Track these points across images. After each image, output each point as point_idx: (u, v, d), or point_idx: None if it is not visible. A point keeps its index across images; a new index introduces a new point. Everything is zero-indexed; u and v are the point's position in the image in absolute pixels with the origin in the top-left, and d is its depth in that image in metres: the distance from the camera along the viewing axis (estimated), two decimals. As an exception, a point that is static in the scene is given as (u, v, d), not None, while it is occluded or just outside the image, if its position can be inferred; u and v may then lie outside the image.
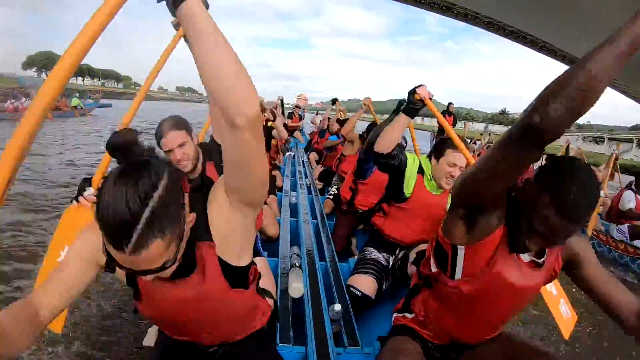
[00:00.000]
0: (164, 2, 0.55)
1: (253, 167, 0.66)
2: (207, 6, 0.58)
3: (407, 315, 1.17)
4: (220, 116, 0.60)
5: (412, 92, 1.53)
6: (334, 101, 5.58)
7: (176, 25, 1.20)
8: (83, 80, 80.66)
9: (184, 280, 0.76)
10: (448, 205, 1.72)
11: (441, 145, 1.64)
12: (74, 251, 0.72)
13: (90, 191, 1.16)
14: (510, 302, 0.95)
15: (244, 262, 0.84)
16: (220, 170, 1.29)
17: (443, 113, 8.51)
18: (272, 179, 3.40)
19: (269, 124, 3.25)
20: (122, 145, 0.59)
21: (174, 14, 0.56)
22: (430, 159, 1.70)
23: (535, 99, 0.61)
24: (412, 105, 1.54)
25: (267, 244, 2.13)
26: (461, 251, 0.93)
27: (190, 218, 0.69)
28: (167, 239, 0.59)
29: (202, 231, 0.75)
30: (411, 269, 1.68)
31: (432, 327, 1.09)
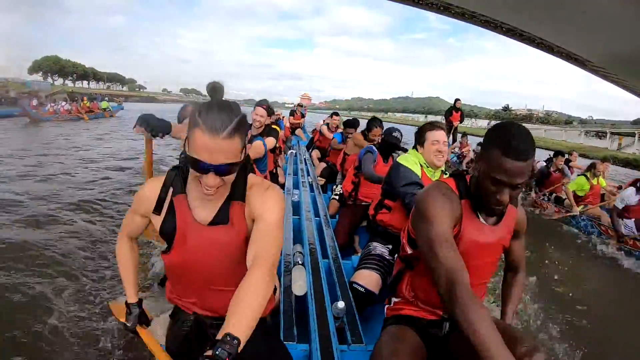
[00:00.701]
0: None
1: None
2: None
3: (396, 299, 1.21)
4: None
5: None
6: (332, 115, 5.66)
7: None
8: (89, 83, 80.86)
9: (219, 227, 0.93)
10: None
11: (419, 132, 1.83)
12: (133, 207, 1.01)
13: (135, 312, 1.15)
14: (484, 260, 1.09)
15: None
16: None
17: (450, 109, 8.47)
18: (275, 176, 3.40)
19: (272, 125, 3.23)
20: (217, 87, 0.89)
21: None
22: (417, 149, 1.84)
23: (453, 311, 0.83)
24: None
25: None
26: None
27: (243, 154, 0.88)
28: (242, 141, 0.83)
29: (239, 193, 0.93)
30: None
31: (422, 306, 1.14)
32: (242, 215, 0.93)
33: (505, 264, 1.28)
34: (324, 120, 6.24)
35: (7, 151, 6.99)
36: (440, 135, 1.77)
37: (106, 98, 22.59)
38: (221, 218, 0.93)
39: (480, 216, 1.05)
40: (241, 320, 0.72)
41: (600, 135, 29.84)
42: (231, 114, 0.81)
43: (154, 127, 1.48)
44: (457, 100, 8.50)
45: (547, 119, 64.41)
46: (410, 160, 1.81)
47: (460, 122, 8.68)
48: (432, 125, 1.83)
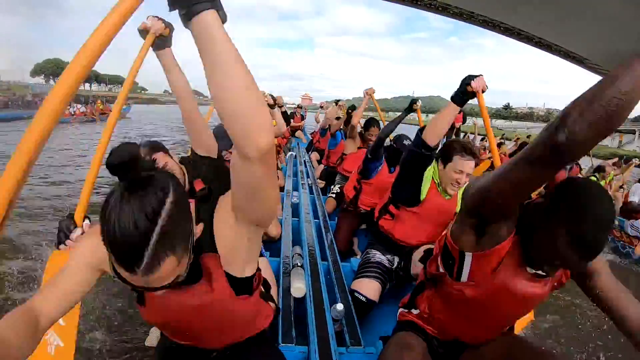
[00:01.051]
0: (177, 11, 0.49)
1: (263, 194, 0.65)
2: (224, 21, 0.51)
3: (413, 310, 1.18)
4: (200, 129, 0.58)
5: (466, 83, 1.39)
6: (337, 102, 5.63)
7: (142, 32, 1.12)
8: (90, 86, 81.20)
9: (190, 288, 0.75)
10: (457, 210, 1.72)
11: (449, 150, 1.57)
12: (75, 258, 0.71)
13: (77, 232, 0.99)
14: (513, 309, 0.96)
15: (248, 272, 0.85)
16: (206, 183, 1.25)
17: None
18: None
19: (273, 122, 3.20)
20: (125, 162, 0.54)
21: (185, 25, 0.51)
22: (437, 162, 1.64)
23: (559, 115, 0.58)
24: (464, 95, 1.41)
25: (268, 244, 2.14)
26: (468, 257, 0.93)
27: (198, 230, 0.68)
28: (178, 255, 0.58)
29: (206, 242, 0.75)
30: (416, 268, 1.67)
31: (435, 324, 1.10)
32: (217, 265, 0.77)
33: (621, 324, 0.86)
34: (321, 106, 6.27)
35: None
36: (468, 167, 1.54)
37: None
38: (190, 275, 0.68)
39: (525, 261, 0.87)
40: None
41: None
42: (146, 222, 0.53)
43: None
44: None
45: (548, 117, 64.30)
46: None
47: (463, 122, 8.67)
48: (466, 152, 1.54)
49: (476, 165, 1.59)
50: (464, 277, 0.95)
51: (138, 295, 0.80)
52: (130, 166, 0.55)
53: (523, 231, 0.85)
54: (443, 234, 1.06)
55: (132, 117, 20.77)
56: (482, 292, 0.92)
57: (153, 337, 1.35)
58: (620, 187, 5.19)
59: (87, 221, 1.04)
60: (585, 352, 2.36)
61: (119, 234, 0.53)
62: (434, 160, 1.68)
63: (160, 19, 1.11)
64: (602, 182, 4.69)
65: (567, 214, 0.74)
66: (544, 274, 0.88)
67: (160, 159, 1.20)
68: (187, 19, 0.49)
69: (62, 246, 0.99)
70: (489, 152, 7.12)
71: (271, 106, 3.04)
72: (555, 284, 0.94)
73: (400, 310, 1.23)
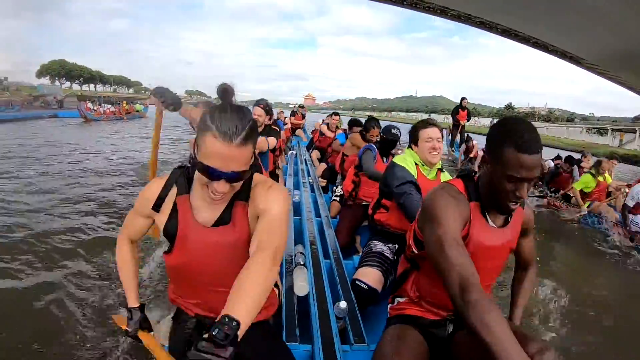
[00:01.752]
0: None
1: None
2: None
3: (400, 299, 1.20)
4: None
5: None
6: (333, 114, 5.67)
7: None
8: (95, 87, 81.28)
9: (220, 228, 0.92)
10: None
11: (413, 131, 1.83)
12: (140, 200, 0.98)
13: (137, 315, 1.11)
14: (491, 263, 1.08)
15: None
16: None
17: (457, 108, 8.43)
18: (276, 178, 3.40)
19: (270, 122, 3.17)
20: (228, 90, 0.89)
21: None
22: (412, 148, 1.85)
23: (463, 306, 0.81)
24: None
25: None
26: None
27: (266, 143, 0.96)
28: (252, 148, 0.83)
29: (243, 193, 0.92)
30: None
31: (427, 306, 1.14)
32: (244, 215, 0.92)
33: (516, 263, 1.28)
34: (323, 120, 6.26)
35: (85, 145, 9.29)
36: (433, 132, 1.78)
37: (140, 102, 26.75)
38: (223, 219, 0.92)
39: (488, 219, 1.05)
40: (241, 304, 0.70)
41: (601, 132, 29.75)
42: (244, 119, 0.79)
43: (168, 99, 1.52)
44: (463, 98, 8.47)
45: (550, 116, 64.25)
46: (406, 160, 1.83)
47: (467, 120, 8.65)
48: (425, 123, 1.83)
49: (441, 131, 1.82)
50: None
51: (170, 244, 0.96)
52: (230, 93, 0.91)
53: (485, 193, 1.02)
54: (412, 225, 1.18)
55: (151, 116, 21.82)
56: None
57: (159, 332, 1.34)
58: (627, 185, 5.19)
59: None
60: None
61: (229, 119, 0.77)
62: (408, 150, 1.89)
63: (162, 101, 1.49)
64: (600, 177, 4.79)
65: (505, 133, 0.93)
66: (503, 223, 1.07)
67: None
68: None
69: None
70: None
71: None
72: (514, 235, 1.10)
73: (389, 306, 1.26)
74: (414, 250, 1.14)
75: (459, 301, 0.83)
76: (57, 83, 68.18)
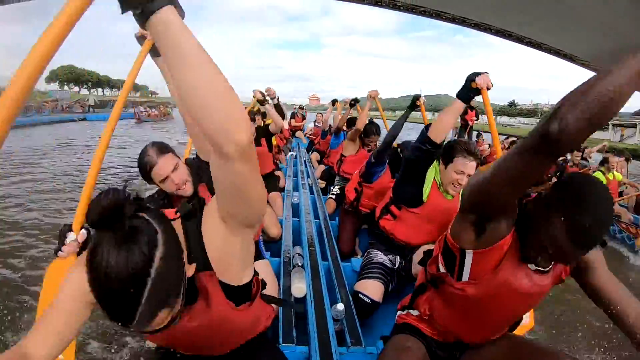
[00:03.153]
0: (131, 12, 0.46)
1: (248, 194, 0.61)
2: (182, 16, 0.49)
3: (412, 312, 1.17)
4: (199, 134, 0.54)
5: (471, 79, 1.40)
6: (334, 102, 5.65)
7: (140, 39, 1.16)
8: (103, 91, 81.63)
9: (188, 309, 0.74)
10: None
11: (450, 150, 1.56)
12: (65, 293, 0.66)
13: (71, 237, 1.01)
14: (515, 306, 0.96)
15: (246, 279, 0.83)
16: (211, 189, 1.22)
17: (465, 108, 8.39)
18: (276, 179, 3.40)
19: (268, 121, 3.16)
20: (107, 216, 0.50)
21: (142, 25, 0.47)
22: (439, 162, 1.63)
23: (553, 107, 0.59)
24: (469, 92, 1.43)
25: (269, 244, 2.14)
26: (469, 255, 0.93)
27: (190, 271, 0.66)
28: (171, 306, 0.57)
29: (199, 259, 0.71)
30: (416, 268, 1.67)
31: (436, 326, 1.10)
32: (213, 280, 0.74)
33: (615, 318, 0.88)
34: (314, 122, 6.34)
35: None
36: (470, 167, 1.53)
37: (170, 105, 31.55)
38: (190, 297, 0.71)
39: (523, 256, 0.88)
40: None
41: (603, 127, 29.86)
42: (135, 282, 0.51)
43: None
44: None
45: (552, 113, 64.16)
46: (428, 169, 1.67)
47: (476, 119, 8.65)
48: (467, 152, 1.53)
49: (479, 166, 1.57)
50: (465, 276, 0.95)
51: None
52: (115, 217, 0.51)
53: (521, 226, 0.85)
54: (443, 234, 1.06)
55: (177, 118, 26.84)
56: (484, 290, 0.91)
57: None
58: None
59: (83, 230, 1.04)
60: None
61: (108, 294, 0.51)
62: (435, 160, 1.67)
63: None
64: (610, 175, 4.58)
65: (567, 202, 0.75)
66: (543, 269, 0.88)
67: (171, 161, 1.23)
68: (143, 18, 0.46)
69: (60, 253, 1.01)
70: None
71: (261, 102, 2.99)
72: (557, 280, 0.94)
73: (399, 313, 1.23)
74: (440, 267, 1.03)
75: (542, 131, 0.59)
76: (66, 88, 68.85)
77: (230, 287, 0.77)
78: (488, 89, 1.40)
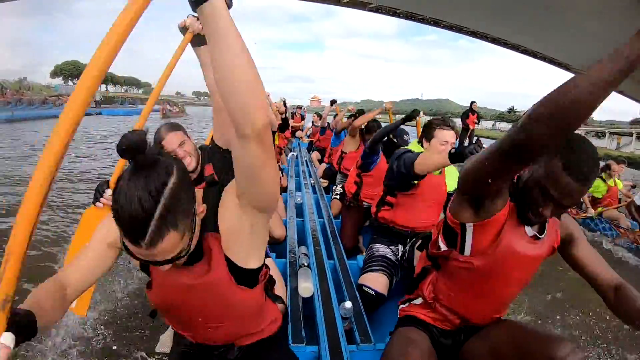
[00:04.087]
0: None
1: (262, 176, 0.67)
2: (229, 6, 0.57)
3: (414, 302, 1.19)
4: (226, 121, 0.62)
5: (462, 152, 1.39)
6: (333, 102, 5.65)
7: (183, 29, 1.21)
8: (107, 87, 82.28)
9: (191, 267, 0.79)
10: (450, 189, 1.80)
11: (429, 127, 1.71)
12: (97, 236, 0.78)
13: (109, 192, 1.21)
14: (518, 273, 1.00)
15: (252, 264, 0.85)
16: (218, 172, 1.28)
17: (467, 112, 8.45)
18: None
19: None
20: (132, 146, 0.58)
21: (194, 10, 0.54)
22: (422, 144, 1.75)
23: (523, 115, 0.62)
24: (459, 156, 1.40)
25: (274, 246, 2.14)
26: (469, 228, 0.98)
27: (201, 209, 0.73)
28: (180, 231, 0.63)
29: (210, 225, 0.79)
30: (416, 254, 1.68)
31: (440, 310, 1.11)
32: (218, 247, 0.79)
33: (596, 288, 0.99)
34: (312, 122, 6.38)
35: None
36: (450, 135, 1.66)
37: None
38: (194, 256, 0.77)
39: (524, 223, 0.95)
40: None
41: (599, 135, 30.02)
42: (150, 199, 0.58)
43: None
44: (473, 102, 8.47)
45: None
46: (415, 148, 1.75)
47: (477, 124, 8.68)
48: (444, 123, 1.68)
49: (457, 135, 1.71)
50: (467, 250, 0.99)
51: (149, 282, 0.85)
52: (137, 149, 0.58)
53: (518, 193, 0.92)
54: (440, 219, 1.11)
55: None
56: (489, 260, 0.96)
57: (163, 343, 1.35)
58: (633, 187, 5.11)
59: None
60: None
61: (125, 210, 0.58)
62: (416, 143, 1.80)
63: (198, 18, 1.17)
64: (611, 182, 4.63)
65: (562, 147, 0.81)
66: (540, 236, 0.96)
67: (179, 137, 1.33)
68: (197, 4, 0.52)
69: (97, 203, 1.23)
70: None
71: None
72: (550, 248, 1.00)
73: (401, 307, 1.24)
74: (440, 245, 1.08)
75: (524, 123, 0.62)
76: (70, 83, 69.53)
77: (234, 264, 0.82)
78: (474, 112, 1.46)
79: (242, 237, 0.80)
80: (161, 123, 1.35)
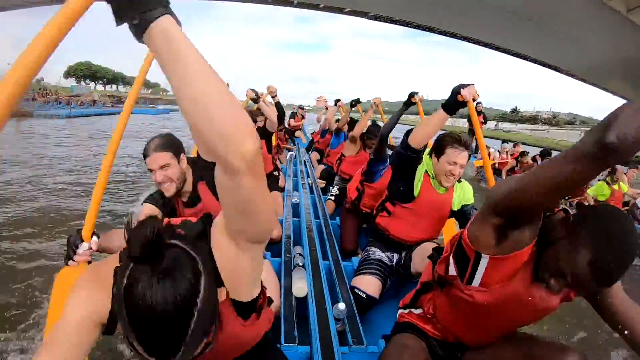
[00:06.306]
0: (127, 25, 0.43)
1: (256, 209, 0.58)
2: (179, 24, 0.46)
3: (414, 311, 1.17)
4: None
5: (457, 91, 1.39)
6: (337, 102, 5.64)
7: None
8: (117, 87, 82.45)
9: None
10: (455, 207, 1.73)
11: (441, 142, 1.58)
12: (71, 317, 0.62)
13: (84, 247, 1.01)
14: (521, 318, 0.95)
15: (255, 292, 0.80)
16: (212, 189, 1.21)
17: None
18: (275, 179, 3.40)
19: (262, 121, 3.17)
20: (152, 247, 0.48)
21: (140, 38, 0.44)
22: (431, 157, 1.65)
23: (610, 114, 0.58)
24: (455, 103, 1.41)
25: (269, 245, 2.13)
26: (484, 260, 0.90)
27: (222, 296, 0.66)
28: (211, 332, 0.56)
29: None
30: (416, 267, 1.67)
31: (438, 326, 1.09)
32: (226, 303, 0.72)
33: (629, 340, 0.86)
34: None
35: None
36: (462, 157, 1.54)
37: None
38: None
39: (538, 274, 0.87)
40: None
41: None
42: (181, 312, 0.49)
43: None
44: (478, 103, 8.52)
45: (552, 120, 64.97)
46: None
47: (484, 124, 8.71)
48: (457, 143, 1.55)
49: (470, 157, 1.60)
50: (476, 281, 0.93)
51: None
52: (155, 253, 0.49)
53: (542, 243, 0.84)
54: (457, 233, 1.03)
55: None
56: (493, 298, 0.90)
57: None
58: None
59: (94, 237, 1.04)
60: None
61: (153, 330, 0.48)
62: (426, 155, 1.69)
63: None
64: (615, 186, 4.60)
65: (597, 235, 0.74)
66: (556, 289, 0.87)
67: (164, 159, 1.25)
68: (140, 30, 0.43)
69: (70, 262, 1.01)
70: (511, 155, 7.18)
71: (254, 100, 2.99)
72: (567, 297, 0.93)
73: (400, 311, 1.23)
74: (450, 268, 1.01)
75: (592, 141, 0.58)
76: (82, 84, 69.49)
77: (240, 304, 0.76)
78: (474, 100, 1.42)
79: (244, 275, 0.73)
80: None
